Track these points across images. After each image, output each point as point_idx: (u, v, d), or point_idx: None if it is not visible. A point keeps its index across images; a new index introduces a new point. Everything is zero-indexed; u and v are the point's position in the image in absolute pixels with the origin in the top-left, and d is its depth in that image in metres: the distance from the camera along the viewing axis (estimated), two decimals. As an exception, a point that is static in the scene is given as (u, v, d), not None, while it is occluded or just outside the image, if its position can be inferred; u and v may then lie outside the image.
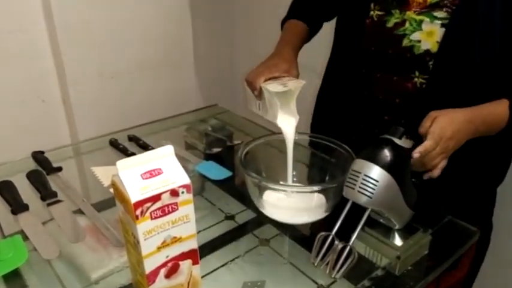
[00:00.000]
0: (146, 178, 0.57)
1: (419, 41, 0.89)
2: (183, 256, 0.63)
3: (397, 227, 0.81)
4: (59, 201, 0.91)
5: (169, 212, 0.59)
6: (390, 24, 0.91)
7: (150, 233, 0.58)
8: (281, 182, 0.92)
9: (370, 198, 0.72)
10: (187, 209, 0.60)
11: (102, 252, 0.78)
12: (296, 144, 0.92)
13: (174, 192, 0.58)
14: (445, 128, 0.78)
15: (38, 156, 1.06)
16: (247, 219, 0.89)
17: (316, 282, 0.73)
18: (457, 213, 0.90)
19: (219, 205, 0.93)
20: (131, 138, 1.18)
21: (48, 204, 0.90)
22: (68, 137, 1.46)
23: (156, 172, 0.58)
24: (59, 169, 1.02)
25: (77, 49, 1.40)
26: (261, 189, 0.88)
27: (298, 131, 0.92)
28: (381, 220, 0.82)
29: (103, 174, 1.02)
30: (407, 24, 0.89)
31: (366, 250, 0.80)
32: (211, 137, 1.16)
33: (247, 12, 1.87)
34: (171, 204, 0.59)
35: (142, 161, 0.59)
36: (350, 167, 0.76)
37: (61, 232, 0.83)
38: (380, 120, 0.99)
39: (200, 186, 1.01)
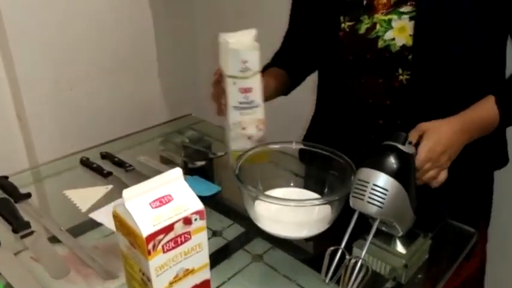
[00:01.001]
0: (156, 207, 0.53)
1: (393, 39, 0.91)
2: (196, 289, 0.59)
3: (400, 234, 0.81)
4: (33, 232, 0.84)
5: (182, 243, 0.54)
6: (362, 30, 0.94)
7: (162, 268, 0.53)
8: (279, 194, 0.90)
9: (381, 208, 0.71)
10: (200, 237, 0.56)
11: (82, 284, 0.73)
12: (291, 155, 0.94)
13: (187, 220, 0.54)
14: (434, 145, 0.79)
15: (3, 182, 0.98)
16: (236, 234, 0.87)
17: None
18: (457, 209, 0.92)
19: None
20: (104, 156, 1.11)
21: (22, 237, 0.83)
22: (25, 157, 1.36)
23: (166, 199, 0.54)
24: (28, 195, 0.95)
25: (29, 56, 1.31)
26: (259, 203, 0.84)
27: (295, 141, 0.95)
28: (383, 228, 0.81)
29: (78, 197, 0.95)
30: (378, 27, 0.92)
31: (368, 259, 0.77)
32: (190, 150, 1.12)
33: (210, 13, 1.84)
34: (184, 233, 0.54)
35: (150, 187, 0.54)
36: (356, 177, 0.75)
37: (38, 266, 0.77)
38: (374, 124, 0.99)
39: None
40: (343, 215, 0.79)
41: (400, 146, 0.74)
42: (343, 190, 0.79)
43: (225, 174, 1.10)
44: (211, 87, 0.99)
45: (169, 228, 0.52)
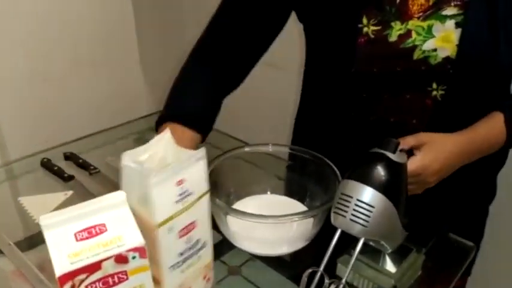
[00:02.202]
0: (82, 239, 0.44)
1: (434, 50, 0.77)
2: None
3: (389, 251, 0.75)
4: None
5: (115, 284, 0.45)
6: (393, 38, 0.78)
7: None
8: (255, 205, 0.83)
9: (365, 227, 0.63)
10: (141, 277, 0.47)
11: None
12: (273, 156, 0.85)
13: (120, 259, 0.44)
14: (429, 163, 0.71)
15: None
16: (213, 243, 0.80)
17: None
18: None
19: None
20: (68, 157, 1.03)
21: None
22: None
23: (98, 230, 0.45)
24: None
25: (1, 47, 1.22)
26: (230, 218, 0.77)
27: (271, 143, 0.85)
28: (370, 243, 0.75)
29: (33, 205, 0.87)
30: (414, 35, 0.77)
31: (353, 277, 0.73)
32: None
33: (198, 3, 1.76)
34: (117, 273, 0.45)
35: (79, 213, 0.45)
36: (338, 189, 0.66)
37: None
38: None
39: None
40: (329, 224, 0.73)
41: (389, 155, 0.65)
42: (326, 203, 0.72)
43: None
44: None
45: (94, 267, 0.44)
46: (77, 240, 0.44)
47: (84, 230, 0.45)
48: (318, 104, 0.95)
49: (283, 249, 0.76)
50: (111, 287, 0.45)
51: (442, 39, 0.76)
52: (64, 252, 0.43)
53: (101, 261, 0.43)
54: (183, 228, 0.51)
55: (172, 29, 1.73)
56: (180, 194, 0.50)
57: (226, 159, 0.83)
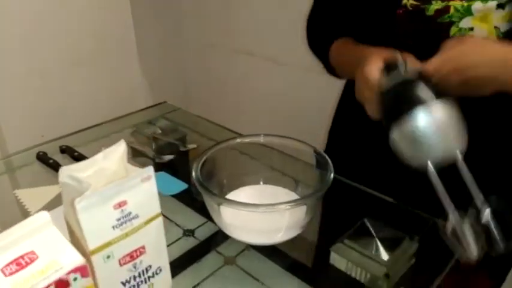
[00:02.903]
0: (11, 273, 0.32)
1: (471, 29, 0.65)
2: None
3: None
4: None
5: None
6: (430, 12, 0.67)
7: None
8: (247, 195, 0.71)
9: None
10: None
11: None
12: (266, 146, 0.73)
13: (61, 284, 0.33)
14: (453, 45, 0.58)
15: None
16: (209, 234, 0.71)
17: None
18: None
19: (175, 220, 0.73)
20: (64, 150, 0.90)
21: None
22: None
23: (27, 259, 0.33)
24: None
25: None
26: (223, 208, 0.66)
27: (263, 133, 0.73)
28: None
29: (29, 197, 0.76)
30: (452, 10, 0.65)
31: (347, 265, 0.62)
32: (161, 142, 0.91)
33: None
34: None
35: (1, 246, 0.33)
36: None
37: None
38: None
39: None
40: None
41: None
42: (318, 191, 0.61)
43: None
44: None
45: None
46: (5, 275, 0.32)
47: (11, 263, 0.33)
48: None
49: (277, 237, 0.65)
50: None
51: (480, 18, 0.64)
52: None
53: None
54: (126, 255, 0.37)
55: (170, 25, 1.58)
56: (119, 219, 0.36)
57: (219, 150, 0.72)
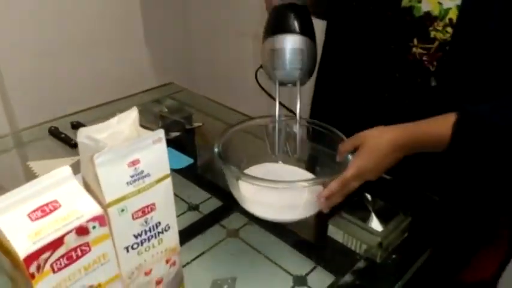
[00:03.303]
0: (37, 218, 0.35)
1: (419, 1, 0.66)
2: (106, 304, 0.41)
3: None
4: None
5: (78, 257, 0.37)
6: None
7: None
8: (265, 171, 0.72)
9: (302, 70, 0.63)
10: (103, 246, 0.38)
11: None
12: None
13: (81, 230, 0.36)
14: (365, 162, 0.61)
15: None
16: (213, 208, 0.74)
17: (291, 274, 0.60)
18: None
19: (181, 194, 0.76)
20: (74, 126, 0.93)
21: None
22: (7, 126, 1.18)
23: (51, 207, 0.36)
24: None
25: (9, 24, 1.10)
26: (243, 183, 0.67)
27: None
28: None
29: (42, 169, 0.78)
30: None
31: (343, 237, 0.65)
32: (168, 120, 0.94)
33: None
34: (79, 246, 0.36)
35: (27, 194, 0.36)
36: (265, 47, 0.64)
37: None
38: (380, 97, 0.75)
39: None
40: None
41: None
42: (336, 172, 0.62)
43: (203, 146, 0.93)
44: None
45: (57, 243, 0.35)
46: (32, 220, 0.35)
47: (37, 210, 0.36)
48: (329, 57, 0.85)
49: (293, 214, 0.66)
50: (75, 261, 0.37)
51: None
52: (23, 235, 0.34)
53: (62, 236, 0.35)
54: (138, 210, 0.40)
55: (177, 6, 1.58)
56: (133, 176, 0.39)
57: (236, 131, 0.72)
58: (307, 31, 0.62)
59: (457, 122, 0.62)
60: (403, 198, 0.71)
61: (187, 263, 0.61)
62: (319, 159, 0.74)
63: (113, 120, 0.43)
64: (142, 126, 0.96)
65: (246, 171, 0.72)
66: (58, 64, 1.25)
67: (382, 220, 0.65)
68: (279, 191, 0.64)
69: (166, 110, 0.96)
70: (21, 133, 0.96)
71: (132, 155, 0.38)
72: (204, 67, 1.63)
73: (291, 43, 0.61)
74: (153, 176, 0.41)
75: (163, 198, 0.43)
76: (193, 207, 0.73)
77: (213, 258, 0.63)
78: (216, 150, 0.64)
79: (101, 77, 1.34)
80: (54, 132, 0.89)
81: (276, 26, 0.62)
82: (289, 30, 0.61)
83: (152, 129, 0.92)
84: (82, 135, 0.40)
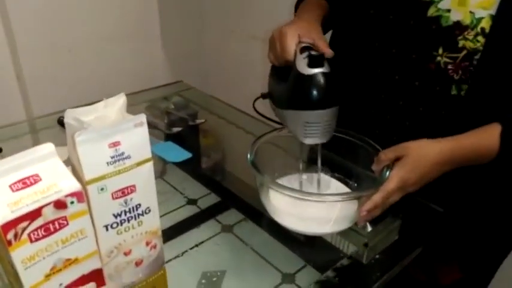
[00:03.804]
0: (18, 189, 0.37)
1: (448, 11, 0.65)
2: (84, 280, 0.42)
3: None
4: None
5: (56, 230, 0.38)
6: None
7: (32, 259, 0.37)
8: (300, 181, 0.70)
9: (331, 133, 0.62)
10: (81, 222, 0.40)
11: None
12: None
13: (59, 204, 0.37)
14: (408, 174, 0.60)
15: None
16: (210, 203, 0.75)
17: (280, 271, 0.61)
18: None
19: (180, 189, 0.78)
20: (81, 117, 0.97)
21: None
22: (24, 116, 1.23)
23: (32, 180, 0.38)
24: (-1, 150, 0.82)
25: (27, 18, 1.14)
26: (274, 193, 0.65)
27: None
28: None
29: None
30: None
31: (332, 237, 0.66)
32: (173, 116, 0.96)
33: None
34: (57, 219, 0.38)
35: (11, 166, 0.38)
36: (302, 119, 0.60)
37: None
38: (395, 105, 0.73)
39: (161, 168, 0.83)
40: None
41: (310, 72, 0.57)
42: (374, 184, 0.62)
43: (204, 142, 0.95)
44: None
45: (35, 214, 0.37)
46: (13, 191, 0.37)
47: (18, 182, 0.38)
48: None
49: (325, 228, 0.64)
50: (53, 233, 0.38)
51: (458, 1, 0.64)
52: (3, 203, 0.36)
53: (40, 208, 0.37)
54: (118, 191, 0.42)
55: (193, 7, 1.61)
56: (113, 157, 0.41)
57: (269, 139, 0.71)
58: (338, 98, 0.59)
59: (503, 132, 0.61)
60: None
61: (180, 254, 0.62)
62: (352, 170, 0.71)
63: (100, 104, 0.45)
64: (148, 122, 1.00)
65: (278, 181, 0.70)
66: (74, 58, 1.29)
67: (371, 221, 0.65)
68: (313, 204, 0.62)
69: (172, 106, 0.99)
70: (35, 121, 1.00)
71: (113, 136, 0.40)
72: (215, 69, 1.66)
73: (327, 117, 0.58)
74: (133, 159, 0.42)
75: (143, 181, 0.44)
76: (192, 202, 0.74)
77: (205, 251, 0.64)
78: (249, 158, 0.63)
79: (116, 73, 1.37)
80: (63, 122, 0.93)
81: (309, 98, 0.57)
82: (324, 105, 0.57)
83: (157, 126, 0.96)
84: (69, 116, 0.42)
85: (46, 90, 1.24)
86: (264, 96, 0.68)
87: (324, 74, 0.56)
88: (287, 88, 0.60)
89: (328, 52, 0.61)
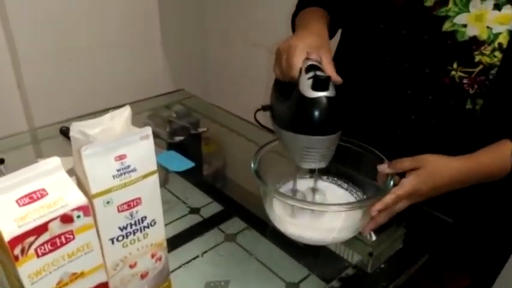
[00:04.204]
0: (24, 204, 0.37)
1: (464, 26, 0.64)
2: (89, 293, 0.42)
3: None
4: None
5: (62, 244, 0.38)
6: (429, 2, 0.66)
7: (38, 274, 0.37)
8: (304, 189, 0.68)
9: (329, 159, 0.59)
10: (87, 236, 0.40)
11: None
12: None
13: (66, 218, 0.37)
14: (420, 184, 0.60)
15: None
16: (213, 212, 0.74)
17: (284, 280, 0.60)
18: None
19: (183, 198, 0.77)
20: (82, 127, 0.97)
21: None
22: (25, 125, 1.23)
23: (39, 194, 0.38)
24: (1, 161, 0.81)
25: (28, 27, 1.14)
26: (278, 203, 0.65)
27: None
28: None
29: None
30: (451, 4, 0.64)
31: (336, 246, 0.65)
32: (175, 125, 0.96)
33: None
34: (63, 233, 0.38)
35: (18, 181, 0.38)
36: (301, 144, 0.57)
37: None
38: (406, 119, 0.72)
39: (163, 177, 0.83)
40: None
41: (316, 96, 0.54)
42: (379, 194, 0.61)
43: (206, 151, 0.95)
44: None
45: (42, 229, 0.36)
46: (19, 206, 0.37)
47: (25, 196, 0.38)
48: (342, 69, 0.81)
49: (328, 238, 0.63)
50: (59, 247, 0.38)
51: (475, 16, 0.63)
52: (10, 218, 0.36)
53: (47, 223, 0.37)
54: (124, 204, 0.42)
55: (194, 15, 1.61)
56: (119, 170, 0.41)
57: (270, 149, 0.69)
58: (340, 124, 0.56)
59: None
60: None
61: (183, 264, 0.62)
62: (356, 179, 0.70)
63: (106, 117, 0.45)
64: (152, 130, 1.00)
65: (282, 189, 0.70)
66: (75, 67, 1.29)
67: (375, 230, 0.65)
68: (317, 213, 0.62)
69: (174, 115, 0.99)
70: (37, 131, 1.00)
71: (119, 149, 0.40)
72: (216, 77, 1.66)
73: (327, 143, 0.55)
74: (139, 171, 0.42)
75: (149, 194, 0.44)
76: (195, 211, 0.74)
77: (208, 261, 0.63)
78: (252, 167, 0.62)
79: (117, 82, 1.37)
80: (65, 132, 0.93)
81: (310, 123, 0.54)
82: (325, 131, 0.54)
83: (160, 134, 0.96)
84: (74, 130, 0.42)
85: (47, 100, 1.23)
86: (264, 108, 0.65)
87: (328, 98, 0.53)
88: (288, 108, 0.57)
89: (337, 80, 0.58)
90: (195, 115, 1.03)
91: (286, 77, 0.60)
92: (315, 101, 0.53)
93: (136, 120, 1.03)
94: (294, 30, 0.80)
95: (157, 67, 1.48)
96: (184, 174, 0.83)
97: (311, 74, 0.53)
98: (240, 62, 1.55)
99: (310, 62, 0.56)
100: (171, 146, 0.92)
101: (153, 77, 1.45)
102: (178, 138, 0.94)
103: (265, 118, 0.71)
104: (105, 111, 1.03)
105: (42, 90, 1.23)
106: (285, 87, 0.60)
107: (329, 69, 0.58)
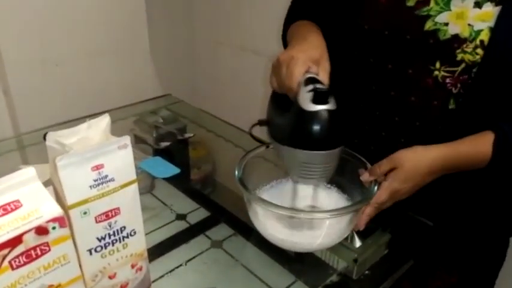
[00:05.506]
0: None
1: (446, 24, 0.63)
2: (68, 306, 0.41)
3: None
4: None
5: (38, 256, 0.37)
6: (411, 2, 0.65)
7: (13, 286, 0.37)
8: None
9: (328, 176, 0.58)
10: (64, 247, 0.39)
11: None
12: None
13: (41, 230, 0.37)
14: (400, 185, 0.61)
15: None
16: (200, 218, 0.74)
17: (270, 287, 0.60)
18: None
19: (169, 204, 0.77)
20: (65, 133, 0.96)
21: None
22: (11, 132, 1.21)
23: (13, 206, 0.37)
24: (-18, 168, 0.80)
25: (15, 33, 1.12)
26: (262, 210, 0.63)
27: None
28: None
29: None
30: (432, 3, 0.64)
31: (321, 252, 0.65)
32: (161, 130, 0.96)
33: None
34: (39, 245, 0.37)
35: None
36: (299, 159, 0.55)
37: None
38: (390, 121, 0.72)
39: (150, 183, 0.82)
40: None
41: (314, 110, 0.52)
42: (363, 198, 0.62)
43: (193, 157, 0.95)
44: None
45: (16, 241, 0.36)
46: None
47: None
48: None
49: (313, 244, 0.62)
50: (35, 259, 0.38)
51: (456, 15, 0.63)
52: None
53: (21, 235, 0.36)
54: (101, 214, 0.42)
55: (182, 21, 1.60)
56: (96, 180, 0.40)
57: (256, 155, 0.69)
58: (342, 139, 0.55)
59: (497, 141, 0.61)
60: (384, 215, 0.68)
61: (169, 272, 0.61)
62: (342, 183, 0.70)
63: (83, 126, 0.44)
64: (137, 136, 0.99)
65: (266, 187, 0.70)
66: (62, 73, 1.27)
67: (361, 236, 0.65)
68: (301, 220, 0.61)
69: (161, 120, 0.98)
70: (22, 137, 0.99)
71: (96, 159, 0.40)
72: (205, 82, 1.66)
73: (328, 159, 0.54)
74: (117, 181, 0.42)
75: (128, 203, 0.43)
76: (181, 217, 0.73)
77: (194, 267, 0.63)
78: (236, 175, 0.61)
79: (104, 87, 1.35)
80: (49, 138, 0.91)
81: (309, 137, 0.52)
82: (326, 146, 0.53)
83: (146, 140, 0.96)
84: (50, 139, 0.42)
85: (34, 106, 1.22)
86: (261, 123, 0.62)
87: (329, 111, 0.51)
88: (286, 122, 0.55)
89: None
90: (181, 120, 1.02)
91: (284, 88, 0.58)
92: (314, 114, 0.51)
93: (122, 126, 1.04)
94: (285, 44, 0.79)
95: (144, 72, 1.47)
96: (171, 180, 0.83)
97: (310, 87, 0.52)
98: (227, 66, 1.54)
99: (309, 75, 0.55)
100: (158, 152, 0.91)
101: (140, 82, 1.44)
102: (164, 144, 0.93)
103: (261, 130, 0.70)
104: (90, 116, 1.03)
105: (29, 96, 1.21)
106: (283, 101, 0.59)
107: (325, 81, 0.57)
